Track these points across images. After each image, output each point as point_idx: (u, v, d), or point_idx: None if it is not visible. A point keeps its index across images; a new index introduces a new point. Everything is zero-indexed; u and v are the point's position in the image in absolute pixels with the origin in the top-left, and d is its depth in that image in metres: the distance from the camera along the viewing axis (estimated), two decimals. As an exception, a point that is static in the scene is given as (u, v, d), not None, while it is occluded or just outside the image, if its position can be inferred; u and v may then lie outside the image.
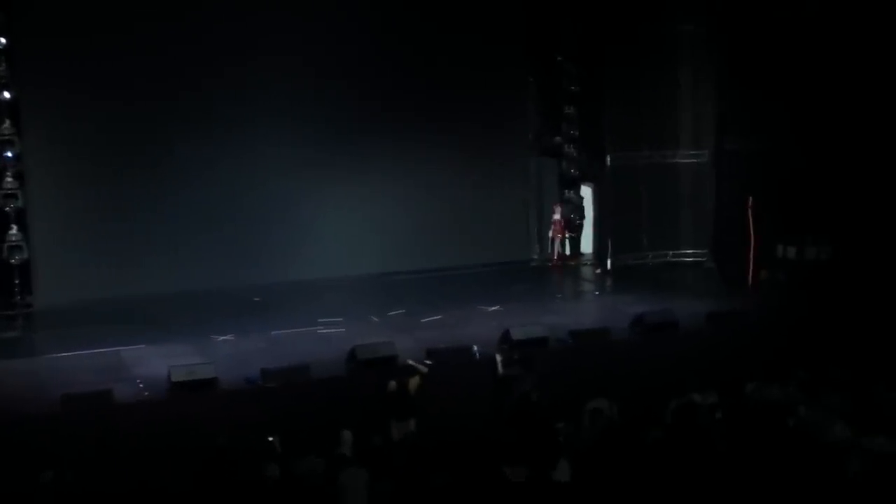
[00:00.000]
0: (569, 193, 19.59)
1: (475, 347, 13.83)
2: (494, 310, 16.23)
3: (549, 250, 19.33)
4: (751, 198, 17.45)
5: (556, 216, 19.30)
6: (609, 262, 18.91)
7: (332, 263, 18.21)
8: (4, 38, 15.35)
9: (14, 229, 15.80)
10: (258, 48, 17.41)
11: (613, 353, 13.94)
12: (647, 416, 10.18)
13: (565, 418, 11.15)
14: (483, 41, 18.91)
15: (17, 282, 15.90)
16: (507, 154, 19.60)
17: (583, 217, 19.68)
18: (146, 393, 12.72)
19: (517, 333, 13.85)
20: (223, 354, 14.11)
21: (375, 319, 15.85)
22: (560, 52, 19.07)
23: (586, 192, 19.76)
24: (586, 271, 19.24)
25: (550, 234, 19.33)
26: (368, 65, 18.14)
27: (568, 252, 19.29)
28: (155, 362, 13.63)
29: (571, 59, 19.01)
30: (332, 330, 15.25)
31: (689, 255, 19.16)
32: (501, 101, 19.31)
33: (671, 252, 19.14)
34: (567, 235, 19.27)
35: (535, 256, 19.81)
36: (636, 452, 9.27)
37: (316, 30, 17.85)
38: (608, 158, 18.78)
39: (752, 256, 17.48)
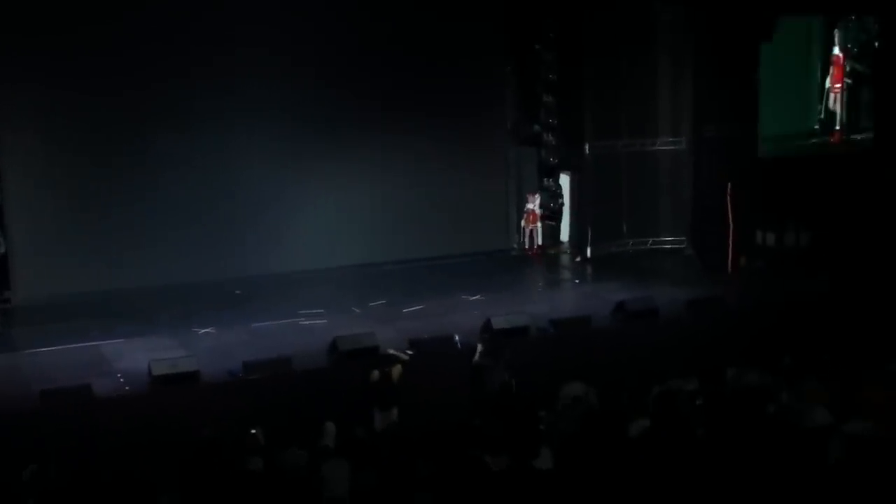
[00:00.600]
0: (548, 182, 19.60)
1: (457, 337, 13.85)
2: (476, 299, 16.25)
3: (522, 240, 19.20)
4: (729, 184, 17.51)
5: (530, 206, 19.16)
6: (589, 250, 18.94)
7: (313, 255, 18.15)
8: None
9: (-9, 224, 15.64)
10: (235, 40, 17.29)
11: (595, 340, 14.01)
12: (628, 404, 10.20)
13: (547, 407, 11.16)
14: (461, 30, 18.85)
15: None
16: (485, 143, 19.58)
17: (562, 206, 19.70)
18: (127, 387, 12.66)
19: (498, 322, 13.87)
20: (205, 347, 14.06)
21: (357, 310, 15.84)
22: (538, 41, 19.03)
23: (565, 180, 19.77)
24: (566, 260, 19.27)
25: (523, 223, 19.18)
26: (345, 54, 18.05)
27: (540, 241, 19.16)
28: (135, 356, 13.55)
29: (549, 47, 18.98)
30: (314, 322, 15.22)
31: (668, 242, 19.21)
32: (479, 90, 19.25)
33: (651, 239, 19.18)
34: (542, 224, 19.18)
35: (516, 246, 19.81)
36: (618, 440, 9.28)
37: (292, 20, 17.73)
38: (587, 147, 18.78)
39: (731, 243, 17.54)
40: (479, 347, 12.65)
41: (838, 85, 19.17)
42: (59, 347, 14.19)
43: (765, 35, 17.77)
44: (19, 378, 13.02)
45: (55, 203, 16.67)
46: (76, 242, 16.68)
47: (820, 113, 19.56)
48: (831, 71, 19.25)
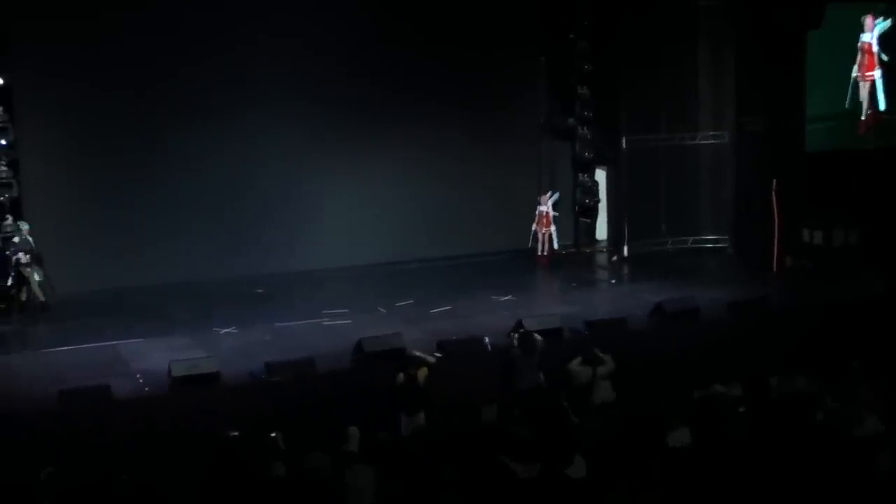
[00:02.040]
0: (582, 177, 19.50)
1: (486, 339, 13.80)
2: (506, 300, 16.20)
3: (531, 244, 18.60)
4: (775, 181, 17.33)
5: (542, 208, 18.54)
6: (625, 248, 18.84)
7: (337, 253, 18.19)
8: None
9: (9, 220, 15.76)
10: (257, 30, 17.37)
11: (631, 343, 13.88)
12: (667, 410, 10.12)
13: (581, 412, 11.10)
14: (492, 19, 18.81)
15: (12, 274, 15.82)
16: (517, 137, 19.52)
17: (597, 202, 19.60)
18: (146, 388, 12.71)
19: (530, 324, 13.80)
20: (226, 347, 14.11)
21: (382, 311, 15.83)
22: (572, 30, 18.93)
23: (601, 175, 19.67)
24: (601, 259, 19.18)
25: (535, 227, 18.61)
26: (371, 45, 18.06)
27: (556, 246, 18.65)
28: (155, 356, 13.62)
29: (584, 36, 18.87)
30: (338, 322, 15.23)
31: (709, 240, 19.07)
32: (511, 82, 19.22)
33: (691, 238, 19.06)
34: (553, 229, 18.56)
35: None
36: (656, 448, 9.23)
37: (316, 9, 17.77)
38: (623, 140, 18.69)
39: (775, 242, 17.37)
40: (515, 342, 12.60)
41: (869, 73, 18.79)
42: (77, 347, 14.30)
43: (813, 22, 17.55)
44: (37, 378, 13.11)
45: (73, 199, 16.84)
46: (94, 239, 16.82)
47: (847, 102, 19.18)
48: (860, 59, 18.86)
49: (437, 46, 18.42)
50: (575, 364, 12.26)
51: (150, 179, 17.14)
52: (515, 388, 12.23)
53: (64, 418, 11.75)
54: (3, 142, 15.61)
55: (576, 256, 19.22)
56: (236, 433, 10.51)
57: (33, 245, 15.93)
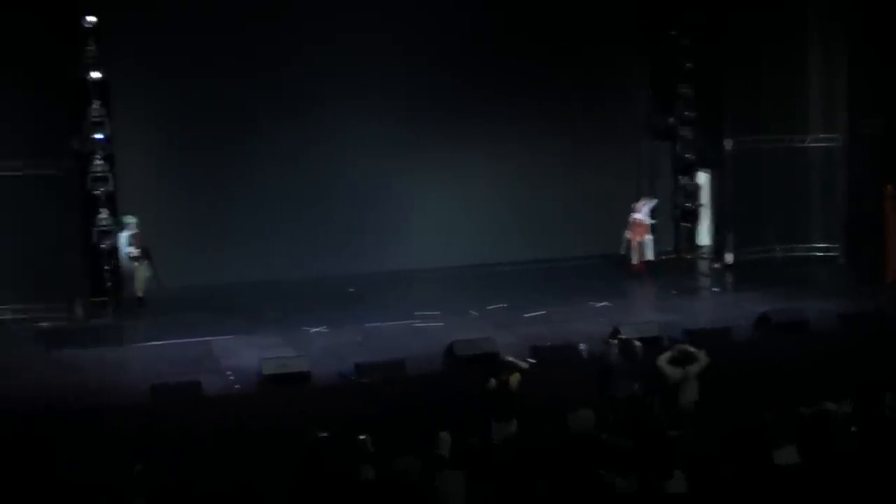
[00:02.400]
0: (684, 180, 19.17)
1: (582, 345, 13.67)
2: (603, 306, 16.04)
3: (623, 252, 18.07)
4: (889, 186, 16.82)
5: (637, 215, 18.03)
6: (729, 256, 18.50)
7: (430, 253, 18.25)
8: (93, 16, 15.65)
9: (104, 214, 16.13)
10: (349, 25, 17.53)
11: (734, 355, 13.59)
12: (773, 425, 9.88)
13: (682, 424, 10.91)
14: (591, 16, 18.68)
15: (106, 268, 16.25)
16: (616, 137, 19.32)
17: (700, 206, 19.26)
18: (236, 386, 12.95)
19: (628, 332, 13.59)
20: (316, 347, 14.28)
21: (475, 314, 15.83)
22: (675, 27, 18.64)
23: (703, 178, 19.32)
24: (704, 266, 18.86)
25: (627, 234, 18.09)
26: (465, 41, 18.09)
27: (651, 257, 18.13)
28: (245, 354, 13.87)
29: (687, 33, 18.54)
30: (429, 324, 15.29)
31: (819, 249, 18.58)
32: (610, 80, 19.05)
33: (799, 246, 18.60)
34: (648, 238, 18.03)
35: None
36: (761, 465, 9.01)
37: (414, 6, 17.86)
38: (728, 142, 18.35)
39: (890, 251, 16.84)
40: (614, 349, 12.47)
41: None
42: (170, 342, 14.65)
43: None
44: (130, 372, 13.49)
45: (167, 194, 17.24)
46: (187, 235, 17.17)
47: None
48: None
49: (535, 44, 18.35)
50: (664, 361, 12.05)
51: (244, 175, 17.46)
52: (611, 396, 12.08)
53: (155, 413, 12.03)
54: (100, 136, 15.97)
55: (676, 263, 18.93)
56: (325, 434, 10.60)
57: (141, 240, 16.27)
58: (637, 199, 18.33)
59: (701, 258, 19.10)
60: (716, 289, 17.68)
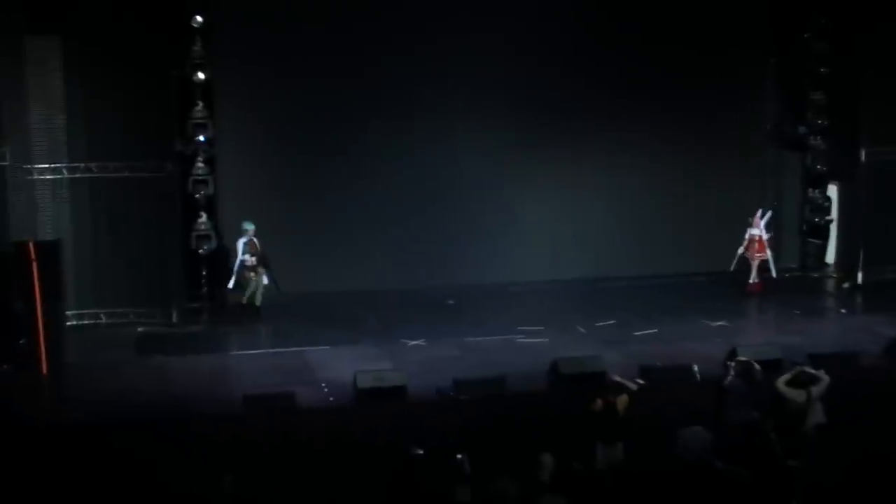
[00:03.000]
0: (813, 193, 18.71)
1: (695, 367, 13.45)
2: (719, 325, 15.80)
3: (732, 269, 17.70)
4: None
5: (755, 231, 17.66)
6: (859, 275, 18.03)
7: (535, 266, 18.20)
8: (200, 16, 15.99)
9: (203, 217, 16.45)
10: (461, 24, 17.60)
11: (863, 381, 13.26)
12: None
13: (802, 453, 10.65)
14: (717, 17, 18.38)
15: (204, 273, 16.61)
16: (740, 146, 18.96)
17: (830, 222, 18.76)
18: (330, 398, 13.11)
19: (746, 354, 13.32)
20: (413, 360, 14.37)
21: (582, 330, 15.76)
22: (808, 28, 18.22)
23: (834, 191, 18.84)
24: (831, 285, 18.42)
25: (742, 250, 17.72)
26: (582, 41, 18.00)
27: (774, 274, 17.77)
28: (341, 365, 14.04)
29: (822, 35, 18.12)
30: (533, 339, 15.24)
31: (958, 270, 17.93)
32: (735, 84, 18.70)
33: (938, 266, 18.00)
34: (769, 255, 17.71)
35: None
36: (888, 497, 8.69)
37: (529, 9, 17.84)
38: (863, 153, 17.91)
39: None
40: (732, 371, 12.24)
41: None
42: (265, 351, 14.92)
43: None
44: (222, 381, 13.78)
45: (268, 199, 17.48)
46: (286, 241, 17.38)
47: None
48: None
49: (654, 47, 18.12)
50: (783, 384, 11.76)
51: (347, 180, 17.66)
52: (727, 422, 11.84)
53: (246, 424, 12.25)
54: (202, 138, 16.28)
55: (801, 281, 18.50)
56: (421, 451, 10.64)
57: (259, 247, 16.48)
58: (754, 215, 17.92)
59: (828, 277, 18.70)
60: (843, 310, 17.31)
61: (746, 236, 17.71)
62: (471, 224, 18.12)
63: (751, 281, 17.64)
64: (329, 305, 16.74)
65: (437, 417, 12.55)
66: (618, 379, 12.18)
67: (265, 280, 16.52)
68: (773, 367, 13.24)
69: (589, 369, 13.30)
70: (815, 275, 18.75)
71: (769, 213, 18.03)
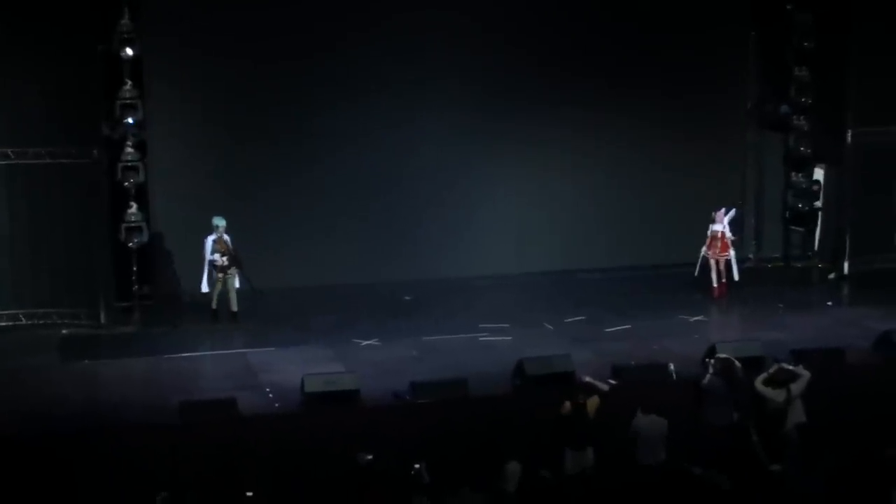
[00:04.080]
0: (797, 177, 18.94)
1: (671, 366, 13.57)
2: (697, 320, 15.99)
3: (697, 274, 17.42)
4: None
5: (717, 227, 17.31)
6: (846, 265, 18.29)
7: (499, 257, 18.27)
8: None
9: (133, 208, 16.35)
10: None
11: (850, 379, 13.49)
12: (894, 461, 9.71)
13: (784, 457, 10.79)
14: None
15: (134, 269, 16.51)
16: (719, 128, 19.18)
17: (816, 209, 19.00)
18: (276, 404, 13.09)
19: (726, 350, 13.49)
20: (367, 362, 14.38)
21: (549, 327, 15.84)
22: (791, 0, 18.41)
23: (819, 175, 19.06)
24: (817, 276, 18.66)
25: (705, 251, 17.39)
26: (548, 20, 18.06)
27: (736, 277, 17.41)
28: (287, 368, 14.03)
29: (805, 7, 18.32)
30: (497, 338, 15.32)
31: (952, 259, 18.26)
32: (713, 61, 18.90)
33: (929, 255, 18.30)
34: (731, 255, 17.35)
35: (751, 256, 19.28)
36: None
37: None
38: (849, 134, 18.13)
39: None
40: (710, 370, 12.39)
41: None
42: (202, 353, 14.88)
43: None
44: (157, 387, 13.71)
45: (203, 188, 17.35)
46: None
47: None
48: None
49: (625, 22, 18.24)
50: (761, 383, 11.93)
51: (293, 169, 17.60)
52: (706, 424, 11.99)
53: (184, 434, 12.21)
54: (131, 120, 16.16)
55: (784, 272, 18.72)
56: (370, 457, 10.67)
57: (230, 245, 16.08)
58: (717, 210, 17.44)
59: (813, 267, 18.90)
60: (830, 303, 17.49)
61: (708, 233, 17.43)
62: (429, 213, 18.14)
63: (714, 284, 17.34)
64: (274, 303, 16.67)
65: (393, 424, 12.58)
66: (588, 380, 12.28)
67: (237, 282, 16.15)
68: (754, 364, 13.41)
69: (557, 369, 13.41)
70: (799, 265, 18.99)
71: (733, 211, 17.70)
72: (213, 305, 16.14)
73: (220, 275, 16.05)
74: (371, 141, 17.74)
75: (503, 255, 18.30)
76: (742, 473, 10.93)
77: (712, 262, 17.34)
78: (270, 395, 13.32)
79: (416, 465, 10.74)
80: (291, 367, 13.95)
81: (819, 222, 19.12)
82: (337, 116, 17.56)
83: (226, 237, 16.08)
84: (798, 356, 13.72)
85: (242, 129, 17.49)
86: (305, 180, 17.65)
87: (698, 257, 17.47)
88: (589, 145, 18.53)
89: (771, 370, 12.17)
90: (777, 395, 11.89)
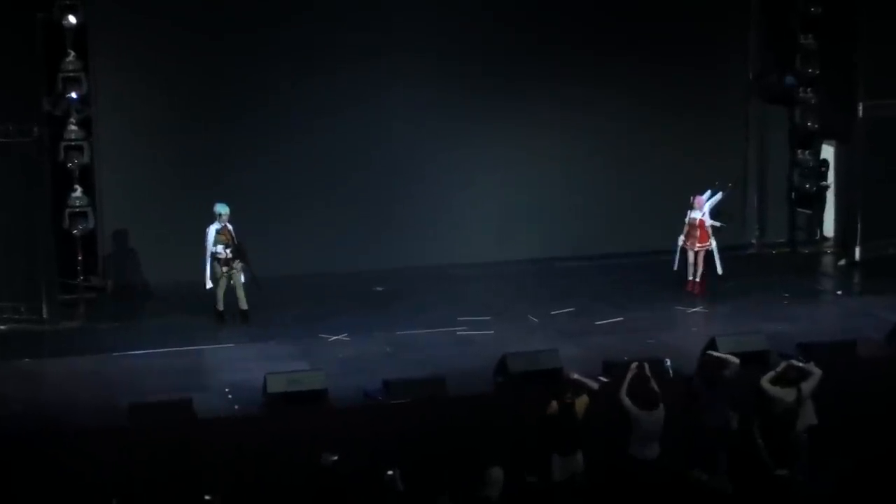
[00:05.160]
0: (803, 155, 19.03)
1: (668, 362, 13.65)
2: (695, 311, 16.06)
3: (676, 268, 17.02)
4: None
5: (696, 214, 16.86)
6: (858, 250, 18.40)
7: (480, 245, 18.29)
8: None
9: (78, 191, 16.30)
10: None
11: (861, 374, 13.54)
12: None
13: (791, 461, 10.87)
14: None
15: (80, 258, 16.44)
16: (718, 101, 19.24)
17: (824, 188, 19.08)
18: (235, 406, 13.07)
19: (726, 344, 13.58)
20: (335, 359, 14.36)
21: (534, 320, 15.87)
22: (797, -40, 18.56)
23: (829, 153, 19.15)
24: (827, 262, 18.79)
25: (682, 241, 16.98)
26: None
27: (720, 271, 16.81)
28: (248, 366, 13.99)
29: (814, -31, 18.47)
30: (477, 332, 15.33)
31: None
32: (711, 28, 18.97)
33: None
34: (713, 245, 16.85)
35: (754, 241, 19.36)
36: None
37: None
38: (860, 107, 18.21)
39: None
40: (697, 367, 12.50)
41: None
42: (155, 351, 14.80)
43: None
44: (105, 387, 13.65)
45: (156, 167, 17.33)
46: (180, 217, 17.23)
47: None
48: None
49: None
50: (769, 382, 11.99)
51: (252, 149, 17.54)
52: (701, 426, 12.07)
53: (135, 438, 12.17)
54: (75, 95, 16.07)
55: (790, 259, 18.81)
56: (335, 458, 10.70)
57: (234, 236, 15.66)
58: (697, 194, 16.97)
59: (822, 253, 19.03)
60: (840, 291, 17.62)
61: (686, 221, 16.95)
62: (403, 196, 18.13)
63: (690, 278, 16.90)
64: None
65: (363, 426, 12.59)
66: (577, 377, 12.31)
67: (242, 278, 15.70)
68: (757, 359, 13.49)
69: (543, 366, 13.42)
70: (806, 251, 19.10)
71: (718, 196, 17.13)
72: (220, 306, 15.74)
73: (225, 269, 15.62)
74: (337, 117, 17.69)
75: (484, 241, 18.32)
76: (745, 478, 11.00)
77: (690, 253, 16.92)
78: (230, 396, 13.30)
79: (390, 472, 10.78)
80: (253, 365, 13.90)
81: (827, 204, 19.23)
82: (301, 91, 17.53)
83: (229, 226, 15.66)
84: (805, 350, 13.80)
85: (196, 106, 17.42)
86: (266, 161, 17.59)
87: (676, 247, 17.06)
88: (577, 122, 18.55)
89: (779, 368, 12.24)
90: (787, 394, 11.94)
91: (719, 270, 16.92)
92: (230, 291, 15.76)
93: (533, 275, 17.92)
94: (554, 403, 12.00)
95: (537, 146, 18.50)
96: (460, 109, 18.13)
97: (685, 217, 16.97)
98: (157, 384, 13.51)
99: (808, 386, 12.00)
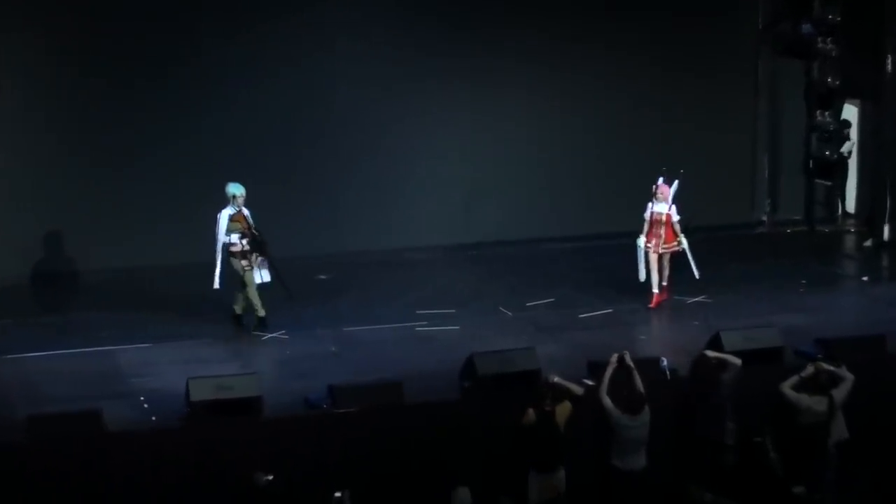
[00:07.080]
0: (822, 117, 19.18)
1: (664, 361, 13.76)
2: (697, 301, 16.15)
3: (644, 278, 16.02)
4: None
5: (660, 207, 15.86)
6: (886, 228, 18.65)
7: (441, 226, 18.41)
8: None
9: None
10: None
11: (890, 374, 13.64)
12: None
13: (814, 479, 11.01)
14: None
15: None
16: (723, 56, 19.42)
17: (846, 156, 19.29)
18: (153, 417, 13.05)
19: (733, 340, 13.68)
20: (271, 360, 14.42)
21: (507, 313, 15.93)
22: None
23: (852, 113, 19.37)
24: (850, 243, 19.02)
25: (642, 240, 15.96)
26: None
27: (696, 275, 15.94)
28: (167, 370, 13.97)
29: None
30: (439, 328, 15.38)
31: None
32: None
33: None
34: (684, 244, 15.89)
35: (765, 218, 19.52)
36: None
37: None
38: (889, 60, 18.44)
39: None
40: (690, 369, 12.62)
41: None
42: (58, 353, 14.74)
43: None
44: (0, 395, 13.65)
45: (55, 153, 17.25)
46: (83, 205, 17.28)
47: None
48: None
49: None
50: (792, 387, 12.08)
51: (171, 119, 17.52)
52: (696, 436, 12.20)
53: (34, 454, 12.10)
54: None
55: (807, 239, 19.02)
56: (269, 477, 10.75)
57: (251, 223, 15.05)
58: (663, 182, 16.04)
59: (844, 232, 19.26)
60: (865, 277, 17.80)
61: (646, 215, 16.06)
62: (351, 169, 18.19)
63: (654, 290, 16.04)
64: (148, 287, 16.67)
65: (305, 439, 12.60)
66: (557, 380, 12.39)
67: (263, 276, 15.12)
68: (770, 357, 13.61)
69: (518, 367, 13.44)
70: (826, 230, 19.34)
71: (677, 182, 16.07)
72: (238, 310, 15.32)
73: (243, 263, 15.08)
74: (274, 84, 17.76)
75: (447, 221, 18.44)
76: (756, 496, 11.12)
77: (653, 256, 16.02)
78: (146, 406, 13.27)
79: (337, 494, 10.86)
80: (173, 369, 13.89)
81: (850, 174, 19.44)
82: (229, 53, 17.51)
83: (245, 211, 15.13)
84: (825, 346, 13.92)
85: (97, 68, 17.34)
86: (188, 133, 17.60)
87: (639, 250, 16.13)
88: (558, 82, 18.68)
89: (805, 371, 12.28)
90: (816, 403, 12.01)
91: (696, 274, 16.16)
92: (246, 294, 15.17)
93: (505, 260, 18.02)
94: (531, 412, 12.09)
95: (511, 111, 18.62)
96: (419, 73, 18.21)
97: (644, 212, 16.07)
98: (60, 392, 13.44)
99: (840, 393, 12.06)
